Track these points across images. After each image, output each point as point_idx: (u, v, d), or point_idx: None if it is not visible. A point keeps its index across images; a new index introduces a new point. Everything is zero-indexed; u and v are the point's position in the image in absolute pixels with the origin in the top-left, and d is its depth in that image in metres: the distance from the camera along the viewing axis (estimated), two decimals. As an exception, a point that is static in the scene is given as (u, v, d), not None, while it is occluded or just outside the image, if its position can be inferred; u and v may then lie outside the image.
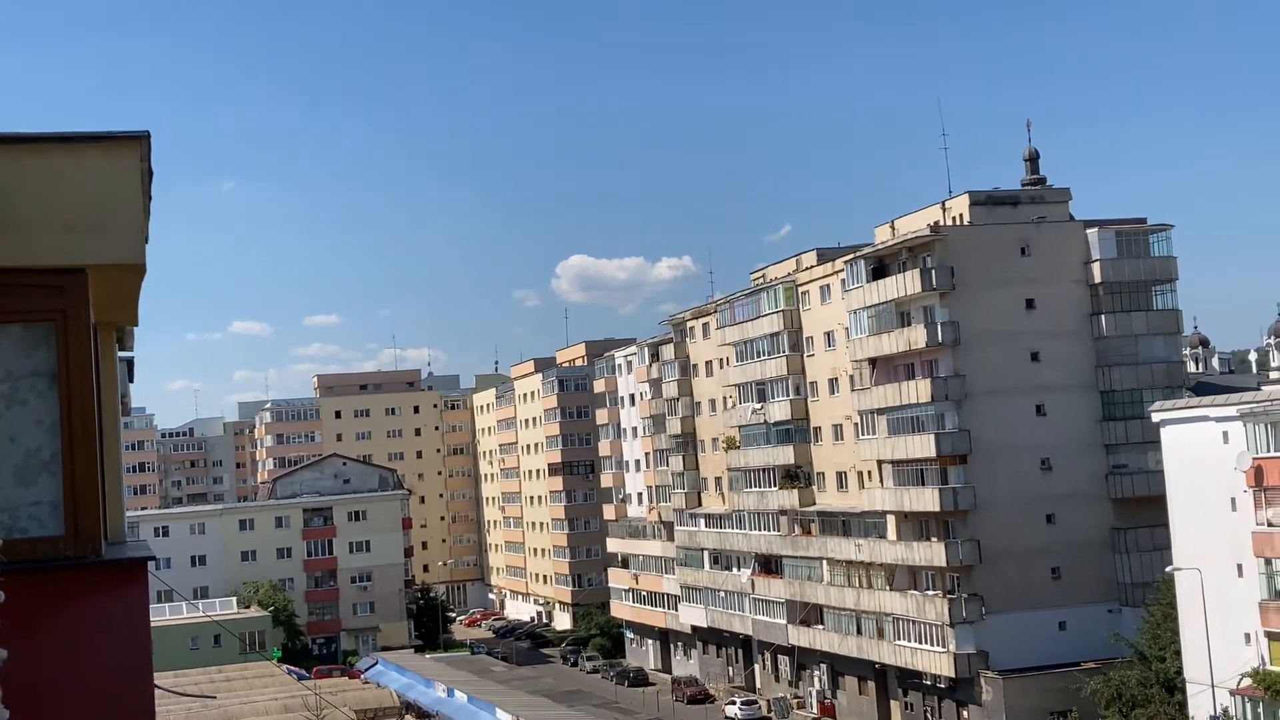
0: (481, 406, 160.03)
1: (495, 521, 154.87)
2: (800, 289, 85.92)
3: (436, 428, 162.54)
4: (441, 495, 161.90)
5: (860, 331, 77.61)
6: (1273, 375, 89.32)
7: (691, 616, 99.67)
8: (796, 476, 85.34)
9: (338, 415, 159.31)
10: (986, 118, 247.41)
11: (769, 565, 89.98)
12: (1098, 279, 73.74)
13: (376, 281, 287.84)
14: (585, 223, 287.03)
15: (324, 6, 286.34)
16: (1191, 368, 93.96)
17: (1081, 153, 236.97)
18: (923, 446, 72.21)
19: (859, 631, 79.33)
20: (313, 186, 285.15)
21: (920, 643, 73.68)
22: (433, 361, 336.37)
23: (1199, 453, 58.75)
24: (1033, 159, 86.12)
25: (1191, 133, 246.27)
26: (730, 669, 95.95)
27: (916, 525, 74.79)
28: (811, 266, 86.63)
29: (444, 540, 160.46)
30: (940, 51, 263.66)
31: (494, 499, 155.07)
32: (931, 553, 72.60)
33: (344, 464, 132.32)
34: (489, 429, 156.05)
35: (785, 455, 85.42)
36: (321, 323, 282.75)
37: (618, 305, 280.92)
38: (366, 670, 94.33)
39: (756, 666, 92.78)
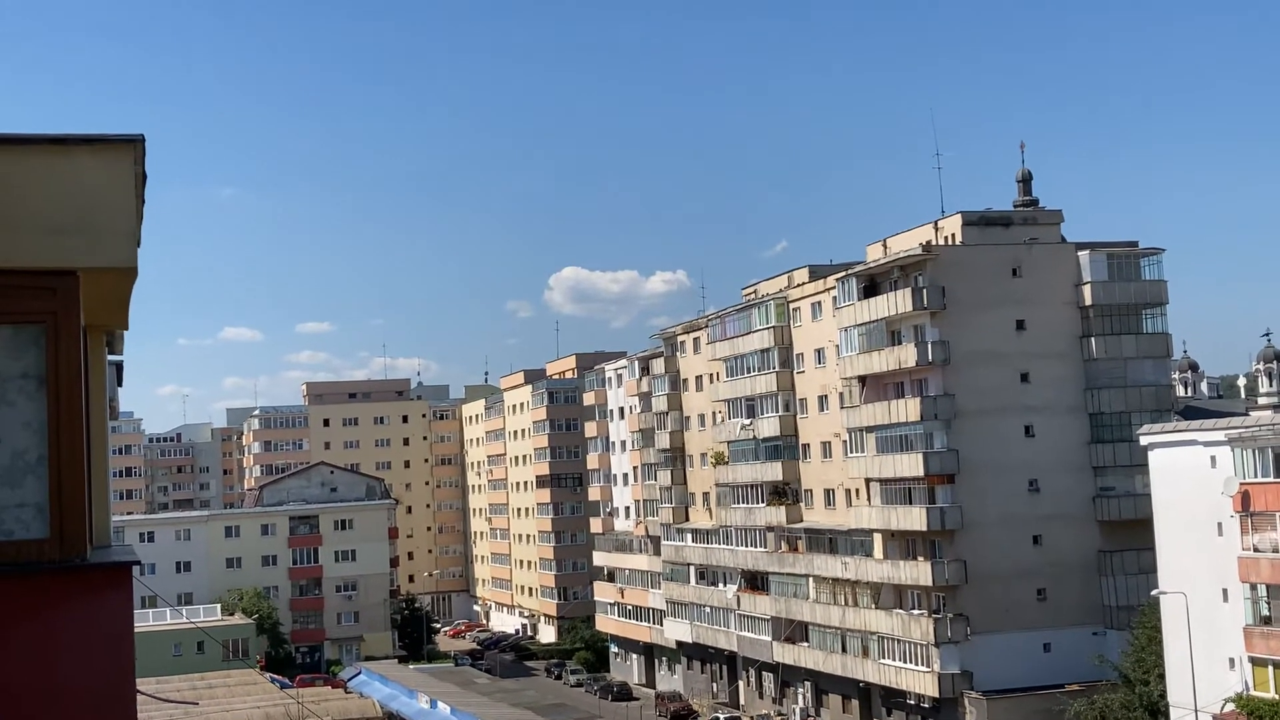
0: (470, 417, 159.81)
1: (482, 533, 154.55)
2: (791, 305, 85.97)
3: (425, 438, 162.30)
4: (428, 505, 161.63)
5: (850, 349, 77.68)
6: (1261, 401, 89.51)
7: (676, 632, 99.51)
8: (784, 493, 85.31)
9: (326, 423, 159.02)
10: (981, 139, 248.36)
11: (755, 582, 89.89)
12: (1088, 301, 73.93)
13: (369, 290, 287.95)
14: (579, 235, 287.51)
15: (324, 17, 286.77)
16: (1180, 392, 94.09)
17: (1074, 175, 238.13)
18: (911, 465, 72.26)
19: (844, 649, 79.25)
20: (308, 195, 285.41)
21: (905, 662, 73.63)
22: (423, 371, 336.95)
23: (1186, 477, 58.85)
24: (1026, 180, 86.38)
25: (1184, 159, 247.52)
26: (714, 685, 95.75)
27: (903, 544, 74.78)
28: (803, 283, 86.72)
29: (430, 551, 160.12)
30: (936, 72, 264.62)
31: (481, 510, 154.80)
32: (918, 572, 72.59)
33: (331, 472, 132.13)
34: (477, 440, 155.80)
35: (773, 472, 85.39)
36: (313, 330, 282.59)
37: (610, 318, 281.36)
38: (350, 680, 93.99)
39: (741, 683, 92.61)
